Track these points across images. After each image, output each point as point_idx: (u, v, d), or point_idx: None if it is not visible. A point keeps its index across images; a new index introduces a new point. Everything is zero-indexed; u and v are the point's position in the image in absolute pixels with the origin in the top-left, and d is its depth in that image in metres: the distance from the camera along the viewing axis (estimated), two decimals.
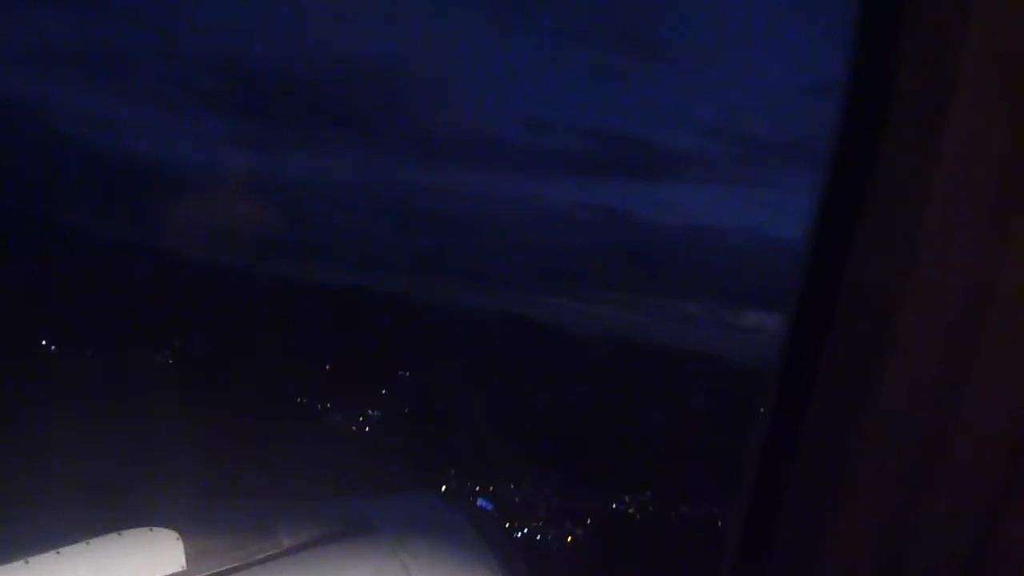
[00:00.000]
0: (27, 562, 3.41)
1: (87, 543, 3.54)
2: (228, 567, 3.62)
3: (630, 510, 25.19)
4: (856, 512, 1.21)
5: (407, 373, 28.97)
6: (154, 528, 3.65)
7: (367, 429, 25.18)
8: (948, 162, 1.10)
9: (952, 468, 1.16)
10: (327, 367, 27.31)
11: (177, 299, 26.50)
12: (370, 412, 25.86)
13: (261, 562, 3.64)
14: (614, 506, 24.95)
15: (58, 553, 3.48)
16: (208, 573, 3.59)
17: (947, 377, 1.14)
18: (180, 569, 3.58)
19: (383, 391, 27.37)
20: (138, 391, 19.86)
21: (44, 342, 23.30)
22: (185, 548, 3.61)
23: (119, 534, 3.61)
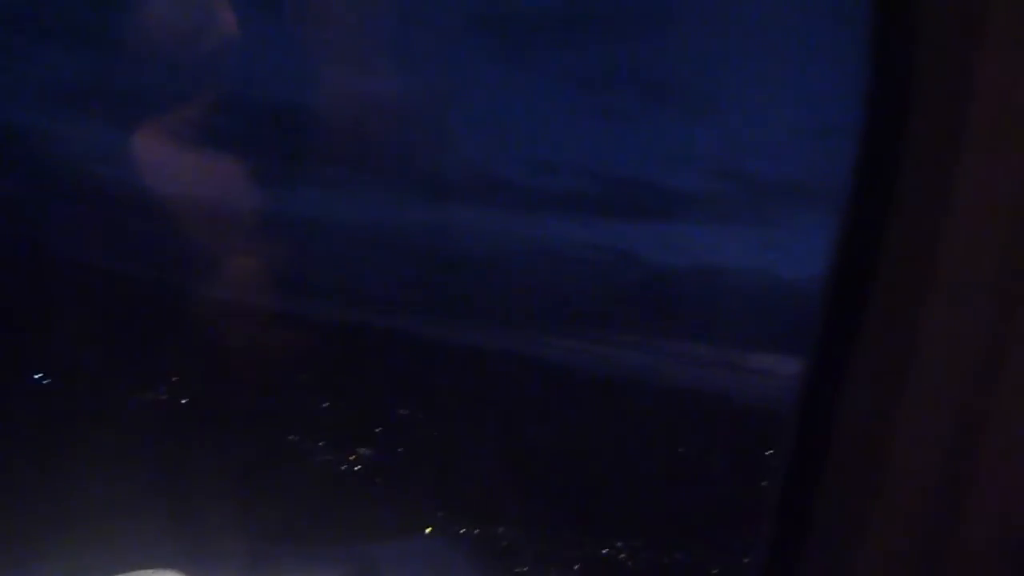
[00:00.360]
0: None
1: None
2: None
3: (621, 556, 24.63)
4: (887, 534, 1.23)
5: (406, 412, 28.82)
6: (159, 571, 3.66)
7: (356, 468, 24.96)
8: (961, 200, 1.14)
9: (983, 477, 1.18)
10: (324, 405, 27.21)
11: (176, 334, 26.52)
12: (361, 451, 25.72)
13: None
14: (605, 551, 24.40)
15: None
16: None
17: (975, 389, 1.16)
18: None
19: (378, 429, 27.23)
20: (131, 427, 19.81)
21: (38, 376, 23.27)
22: None
23: None
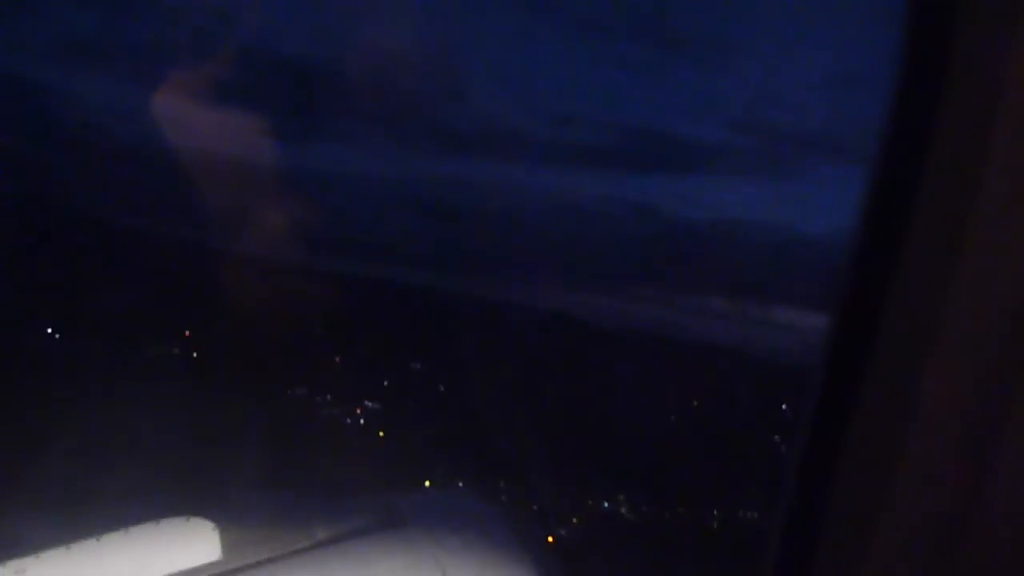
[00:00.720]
0: (69, 548, 3.49)
1: (126, 531, 3.61)
2: (263, 558, 3.67)
3: (622, 510, 24.61)
4: (904, 512, 1.21)
5: (418, 366, 28.75)
6: (191, 518, 3.71)
7: (362, 422, 25.10)
8: (996, 163, 1.10)
9: (1002, 468, 1.15)
10: (336, 359, 27.25)
11: (189, 288, 26.61)
12: (368, 405, 25.74)
13: (295, 554, 3.68)
14: (606, 505, 24.38)
15: (98, 540, 3.55)
16: (243, 563, 3.64)
17: (995, 374, 1.14)
18: (216, 559, 3.63)
19: (385, 383, 27.20)
20: (142, 381, 20.13)
21: (49, 330, 23.55)
22: (221, 538, 3.66)
23: (157, 523, 3.67)
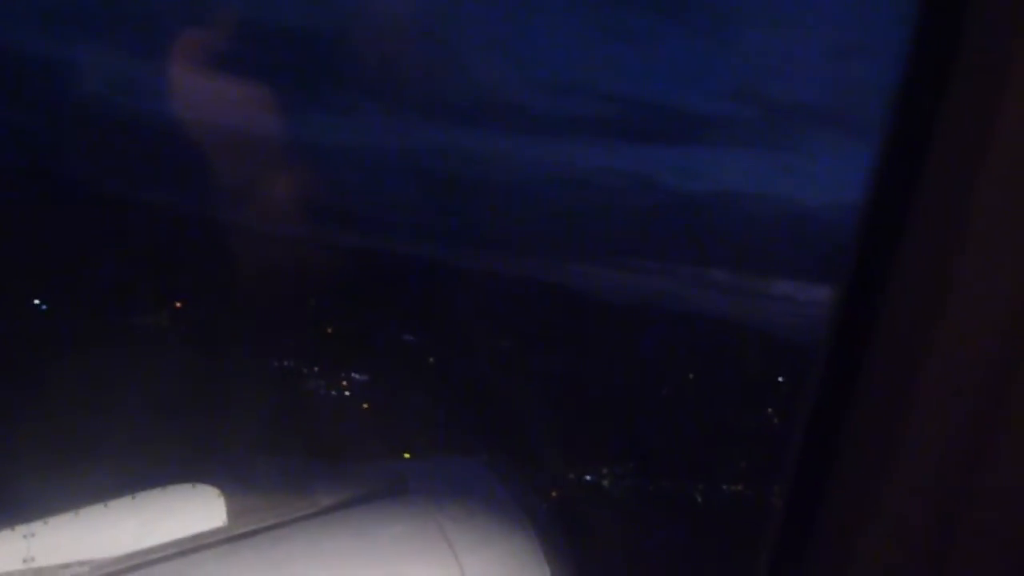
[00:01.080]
0: (77, 513, 3.54)
1: (133, 497, 3.65)
2: (268, 524, 3.72)
3: (603, 483, 24.42)
4: (903, 494, 1.22)
5: (411, 338, 28.41)
6: (197, 484, 3.75)
7: (347, 394, 24.91)
8: (999, 155, 1.10)
9: (1000, 464, 1.16)
10: (328, 330, 27.00)
11: (185, 259, 26.41)
12: (355, 376, 25.48)
13: (300, 520, 3.73)
14: (588, 478, 24.21)
15: (106, 506, 3.60)
16: (248, 529, 3.69)
17: (995, 371, 1.13)
18: (221, 524, 3.68)
19: (381, 355, 26.95)
20: (131, 351, 20.10)
21: (36, 301, 23.41)
22: (226, 504, 3.71)
23: (163, 489, 3.71)
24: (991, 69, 1.11)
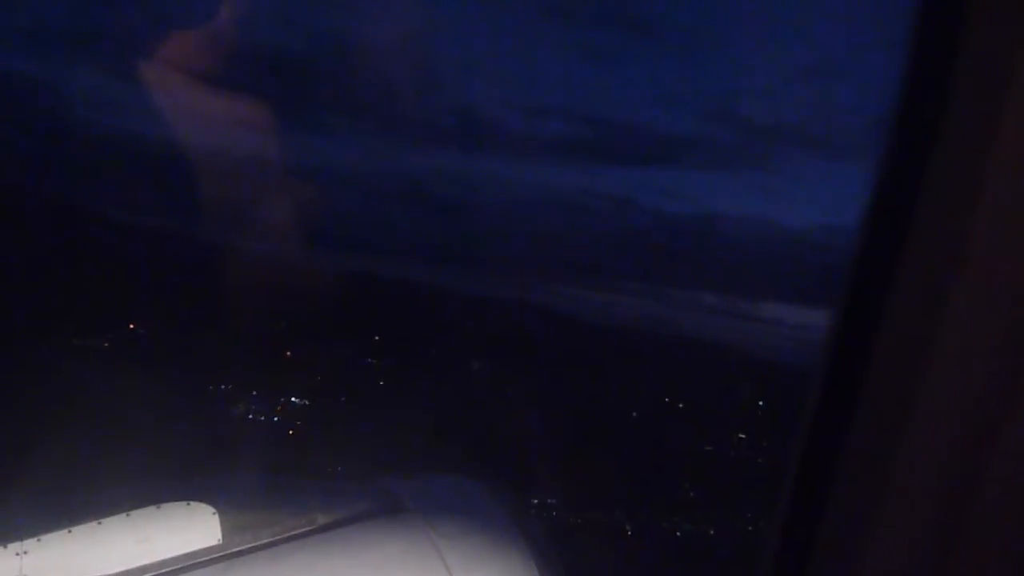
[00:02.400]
0: (71, 531, 3.51)
1: (127, 515, 3.63)
2: (263, 542, 3.71)
3: (578, 522, 23.96)
4: (904, 512, 1.22)
5: (394, 361, 27.71)
6: (191, 502, 3.73)
7: (275, 419, 24.34)
8: (1000, 165, 1.11)
9: (1003, 472, 1.16)
10: (287, 353, 26.33)
11: (167, 279, 25.94)
12: (294, 400, 24.87)
13: (295, 538, 3.73)
14: (551, 501, 23.84)
15: (100, 523, 3.57)
16: (244, 547, 3.68)
17: (997, 378, 1.14)
18: (216, 542, 3.67)
19: (355, 377, 26.28)
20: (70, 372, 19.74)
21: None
22: (221, 522, 3.70)
23: (158, 507, 3.69)
24: (993, 75, 1.10)
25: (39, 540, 3.47)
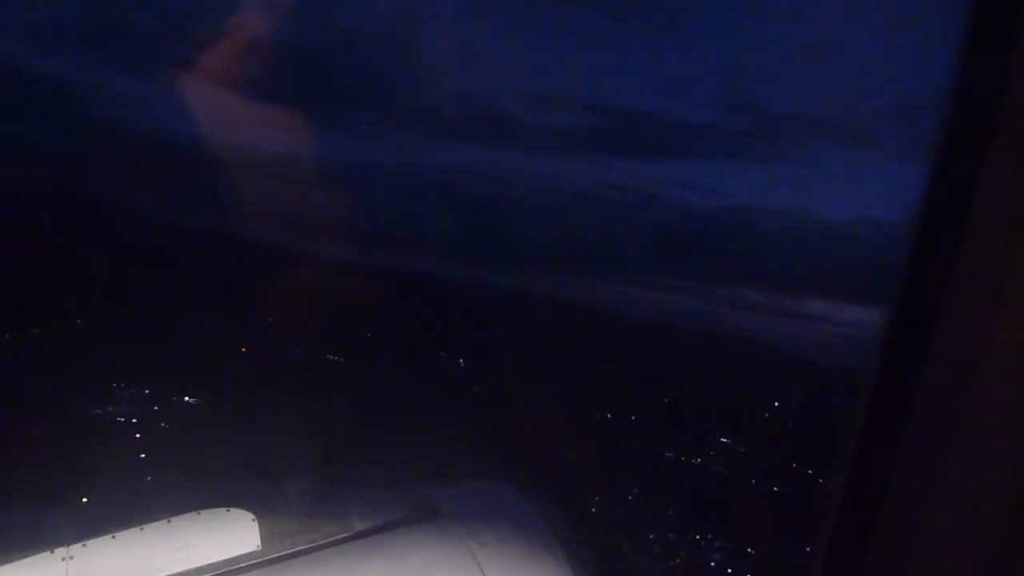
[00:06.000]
0: (114, 537, 3.57)
1: (168, 521, 3.68)
2: (301, 548, 3.74)
3: (626, 503, 23.93)
4: (961, 517, 1.20)
5: (418, 360, 27.11)
6: (231, 509, 3.78)
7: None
8: None
9: None
10: (297, 351, 25.76)
11: (185, 275, 25.99)
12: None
13: (333, 544, 3.75)
14: (594, 509, 23.70)
15: (142, 529, 3.63)
16: (282, 553, 3.71)
17: None
18: (256, 548, 3.71)
19: (385, 377, 26.06)
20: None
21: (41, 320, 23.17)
22: (260, 529, 3.74)
23: (198, 514, 3.74)
24: None
25: (84, 545, 3.53)
